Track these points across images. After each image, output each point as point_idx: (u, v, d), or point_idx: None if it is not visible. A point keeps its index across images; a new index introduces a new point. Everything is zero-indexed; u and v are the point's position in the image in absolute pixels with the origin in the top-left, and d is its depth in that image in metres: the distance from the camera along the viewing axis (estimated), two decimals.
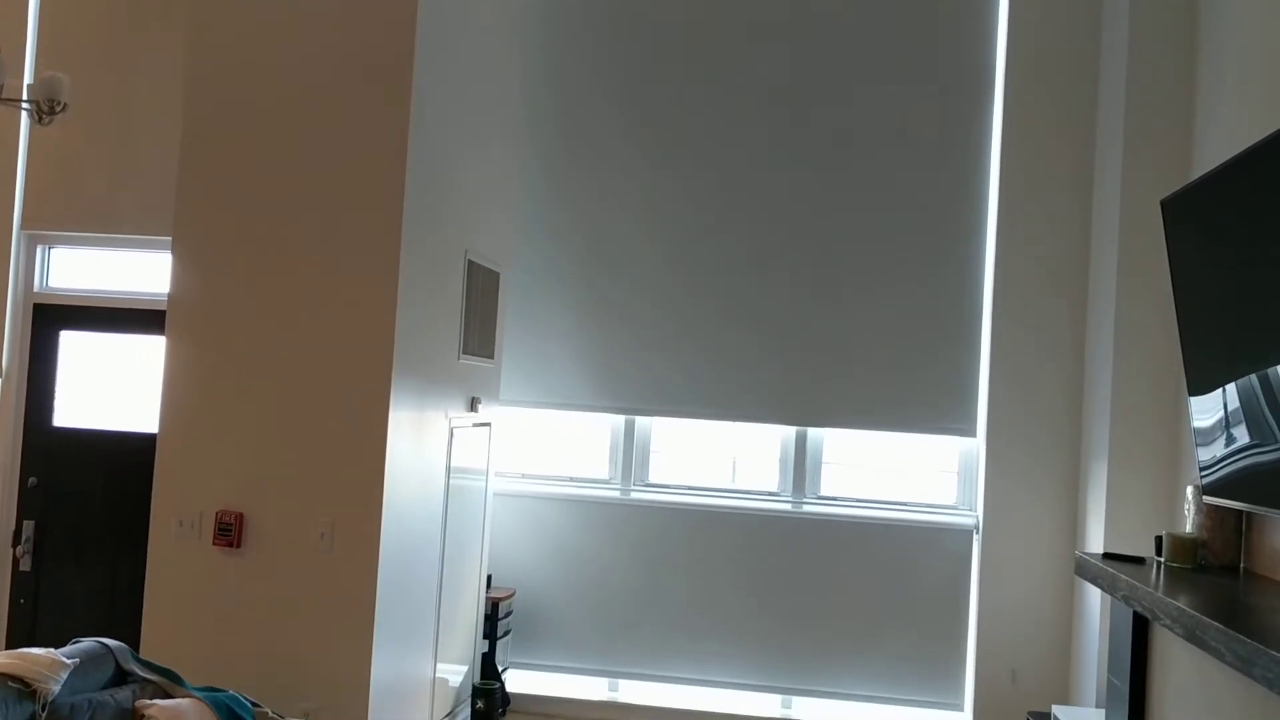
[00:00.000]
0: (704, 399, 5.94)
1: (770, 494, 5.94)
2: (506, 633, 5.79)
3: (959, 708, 5.73)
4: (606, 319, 6.03)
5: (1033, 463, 5.60)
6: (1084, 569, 3.96)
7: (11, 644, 5.19)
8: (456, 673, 5.22)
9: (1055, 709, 4.78)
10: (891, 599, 5.77)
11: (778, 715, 5.78)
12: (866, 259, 5.85)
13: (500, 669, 5.67)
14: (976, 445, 5.77)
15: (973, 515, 5.76)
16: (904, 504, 5.86)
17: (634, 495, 6.01)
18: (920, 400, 5.79)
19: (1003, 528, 5.60)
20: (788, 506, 5.89)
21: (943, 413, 5.77)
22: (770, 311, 5.92)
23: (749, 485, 5.98)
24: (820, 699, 5.82)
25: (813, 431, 5.90)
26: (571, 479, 6.09)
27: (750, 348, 5.91)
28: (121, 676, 3.44)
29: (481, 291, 5.32)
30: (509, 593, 5.83)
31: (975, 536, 5.72)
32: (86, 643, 3.44)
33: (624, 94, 6.08)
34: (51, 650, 3.27)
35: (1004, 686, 5.55)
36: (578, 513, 6.02)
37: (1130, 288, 5.04)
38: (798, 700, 5.84)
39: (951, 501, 5.83)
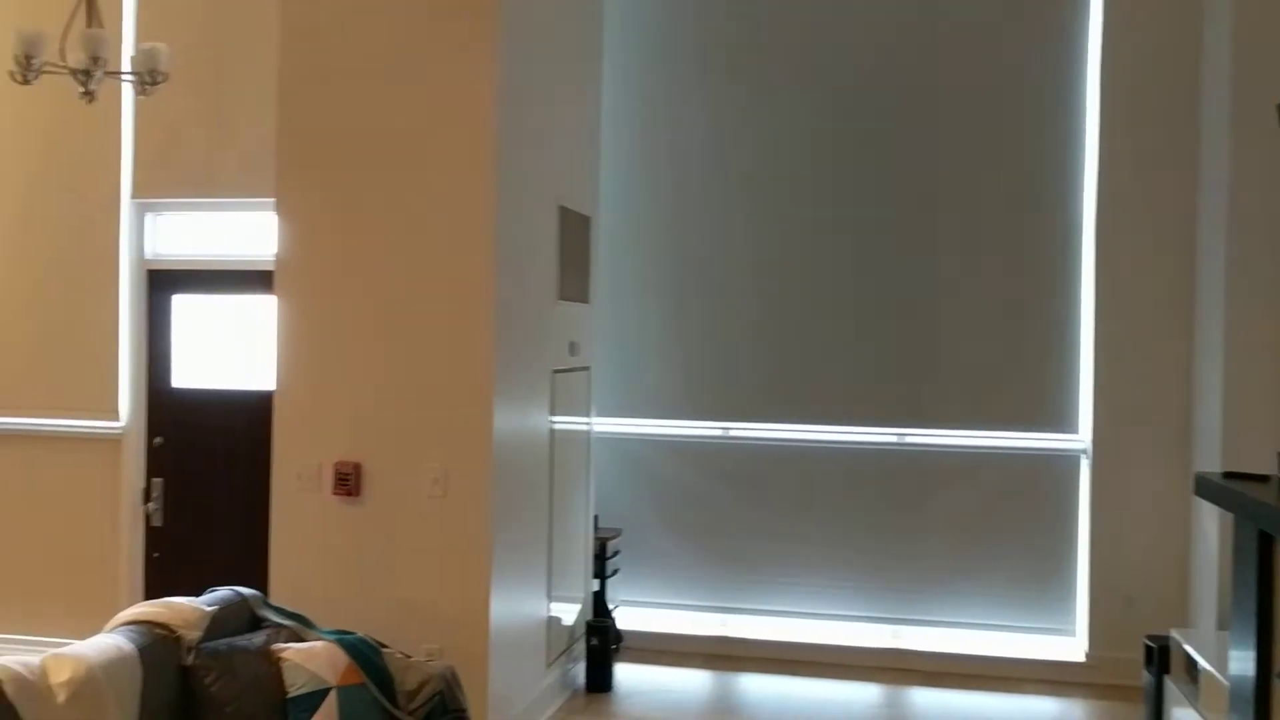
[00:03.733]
0: (792, 401, 5.90)
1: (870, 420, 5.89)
2: (615, 571, 5.89)
3: (1071, 633, 5.68)
4: (692, 315, 6.03)
5: (1142, 385, 5.48)
6: (1204, 488, 3.88)
7: (149, 596, 5.44)
8: (570, 611, 5.34)
9: (1174, 632, 4.72)
10: (999, 527, 5.73)
11: (887, 646, 5.81)
12: (961, 214, 5.75)
13: (611, 607, 5.79)
14: (1082, 370, 5.65)
15: (1082, 440, 5.66)
16: (1010, 431, 5.76)
17: (734, 433, 6.03)
18: (1022, 384, 5.70)
19: (1113, 451, 5.51)
20: (892, 438, 5.85)
21: (1045, 399, 5.67)
22: (864, 300, 5.85)
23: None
24: (929, 628, 5.83)
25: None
26: (672, 419, 6.11)
27: (842, 341, 5.86)
28: (255, 622, 3.59)
29: (574, 236, 5.34)
30: (616, 533, 5.93)
31: (1084, 460, 5.63)
32: (223, 591, 3.60)
33: (714, 51, 6.01)
34: (193, 599, 3.43)
35: (1118, 611, 5.48)
36: (680, 452, 6.07)
37: (1244, 190, 4.86)
38: (907, 630, 5.85)
39: (1059, 426, 5.71)
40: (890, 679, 5.60)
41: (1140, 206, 5.47)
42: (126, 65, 4.64)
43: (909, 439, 5.83)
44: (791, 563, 5.94)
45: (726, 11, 5.98)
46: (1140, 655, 5.29)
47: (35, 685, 2.75)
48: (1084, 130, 5.62)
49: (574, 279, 5.35)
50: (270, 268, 4.59)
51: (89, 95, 4.34)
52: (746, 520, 5.98)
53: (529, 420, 4.77)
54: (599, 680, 5.34)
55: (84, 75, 4.29)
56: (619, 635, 5.83)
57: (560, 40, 5.18)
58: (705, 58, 6.02)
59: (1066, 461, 5.68)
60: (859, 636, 5.87)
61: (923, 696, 5.41)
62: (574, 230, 5.33)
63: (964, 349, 5.74)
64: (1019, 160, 5.70)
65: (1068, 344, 5.66)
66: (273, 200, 4.56)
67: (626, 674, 5.58)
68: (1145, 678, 5.01)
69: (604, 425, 6.09)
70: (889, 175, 5.82)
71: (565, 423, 5.24)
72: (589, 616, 5.61)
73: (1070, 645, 5.68)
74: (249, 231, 5.48)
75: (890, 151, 5.81)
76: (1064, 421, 5.66)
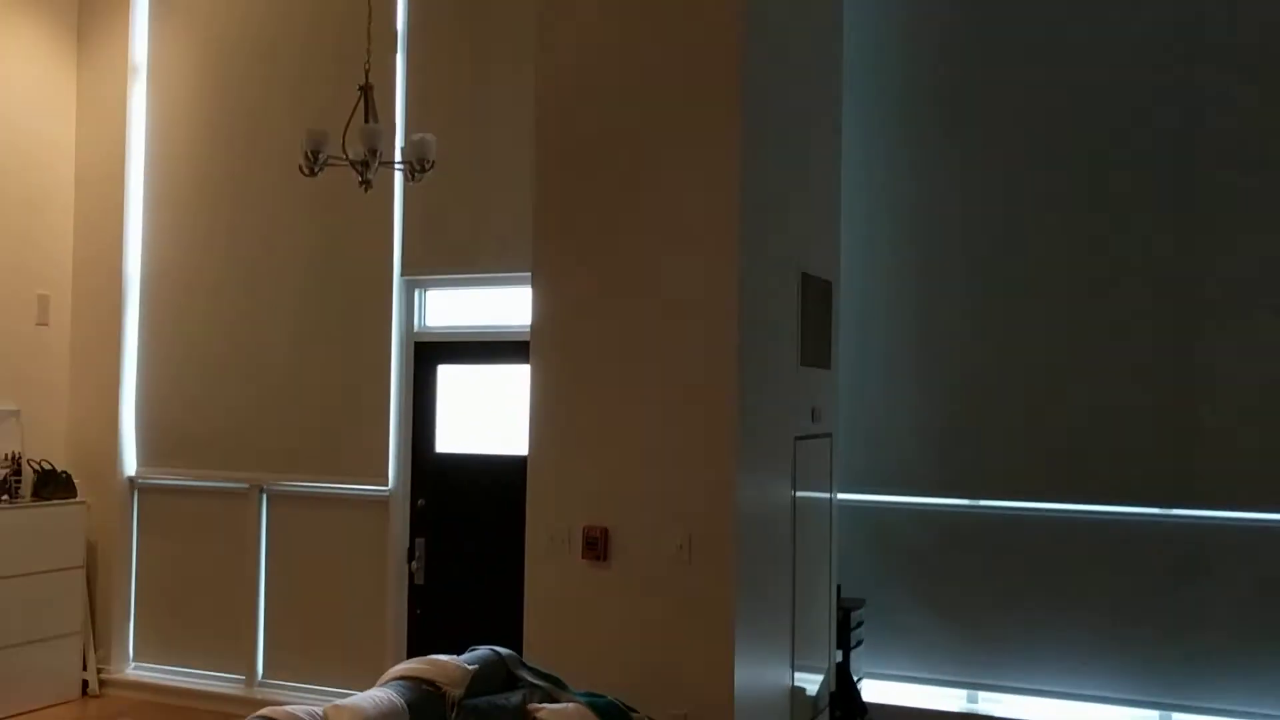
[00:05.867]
0: (1048, 474, 5.63)
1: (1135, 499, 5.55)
2: (859, 642, 5.78)
3: None
4: (938, 381, 5.87)
5: None
6: None
7: (411, 650, 5.76)
8: (813, 681, 5.28)
9: None
10: None
11: None
12: (1247, 270, 5.38)
13: (855, 678, 5.67)
14: None
15: None
16: None
17: (983, 502, 5.82)
18: None
19: None
20: (1156, 511, 5.50)
21: None
22: (1124, 367, 5.52)
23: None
24: (1203, 716, 5.38)
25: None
26: (917, 491, 5.97)
27: (1103, 410, 5.54)
28: (512, 681, 3.74)
29: (816, 301, 5.35)
30: (859, 603, 5.82)
31: None
32: (482, 650, 3.78)
33: (963, 107, 5.93)
34: (455, 657, 3.62)
35: None
36: (926, 520, 5.91)
37: None
38: (1178, 716, 5.44)
39: None
40: None
41: None
42: (398, 155, 5.06)
43: (1177, 510, 5.46)
44: (1046, 638, 5.64)
45: (975, 69, 5.88)
46: None
47: None
48: None
49: (816, 344, 5.36)
50: (525, 338, 4.84)
51: (366, 184, 4.74)
52: (998, 592, 5.74)
53: (771, 487, 4.78)
54: None
55: (362, 166, 4.71)
56: (863, 707, 5.69)
57: (801, 107, 5.25)
58: (953, 114, 5.91)
59: None
60: (1122, 719, 5.51)
61: None
62: (815, 296, 5.35)
63: (1242, 419, 5.33)
64: None
65: None
66: (528, 275, 4.82)
67: None
68: None
69: (847, 494, 6.02)
70: (1161, 228, 5.50)
71: (807, 488, 5.22)
72: (832, 687, 5.52)
73: None
74: (507, 305, 5.79)
75: (1164, 202, 5.48)
76: None
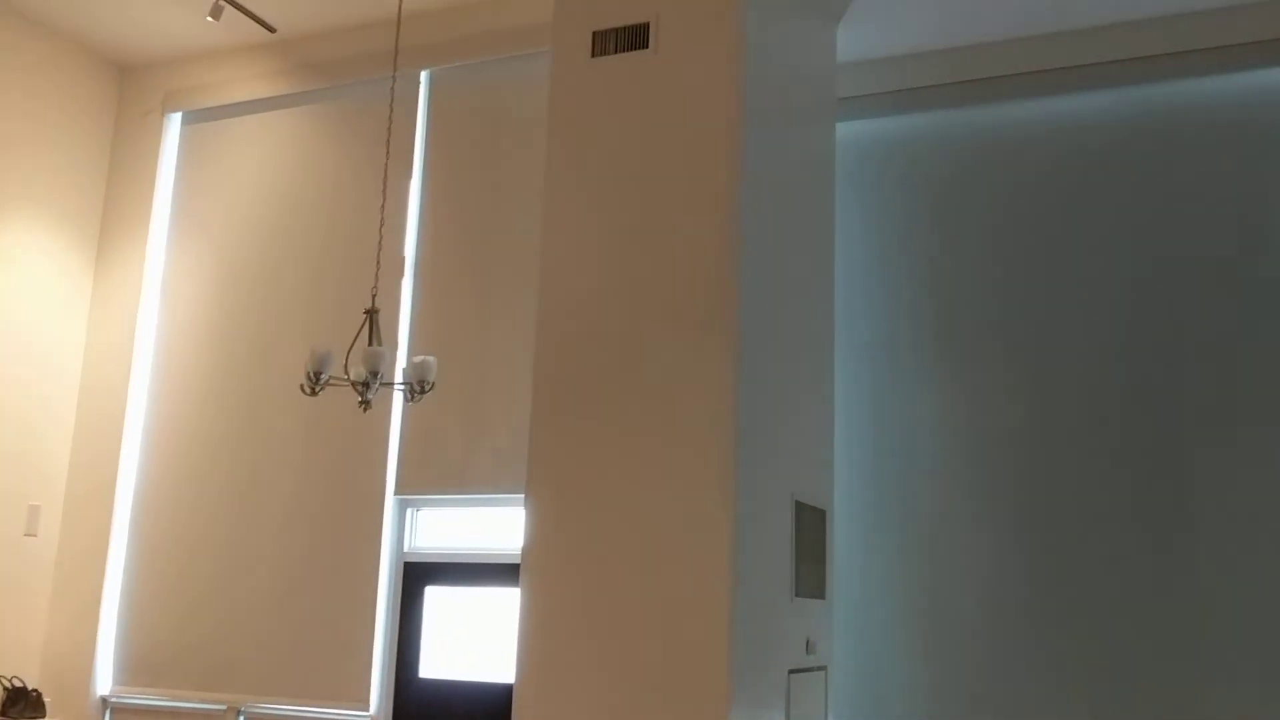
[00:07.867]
0: (1060, 705, 5.47)
1: None
2: None
3: None
4: (938, 612, 5.77)
5: None
6: None
7: None
8: None
9: None
10: None
11: None
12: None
13: None
14: None
15: None
16: None
17: None
18: None
19: None
20: None
21: None
22: (1138, 593, 5.43)
23: None
24: None
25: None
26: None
27: (1114, 639, 5.43)
28: None
29: (810, 530, 5.32)
30: None
31: None
32: None
33: (958, 331, 6.08)
34: None
35: None
36: None
37: None
38: None
39: None
40: None
41: None
42: (399, 376, 5.15)
43: None
44: None
45: (970, 292, 5.99)
46: None
47: None
48: None
49: (810, 574, 5.29)
50: (516, 561, 4.78)
51: (366, 405, 4.81)
52: None
53: None
54: None
55: (363, 387, 4.78)
56: None
57: (795, 336, 5.37)
58: (948, 337, 6.01)
59: None
60: None
61: None
62: (809, 524, 5.32)
63: (1244, 643, 5.20)
64: None
65: None
66: (522, 496, 4.81)
67: None
68: None
69: None
70: (1163, 462, 5.53)
71: None
72: None
73: None
74: (498, 526, 5.76)
75: (1165, 434, 5.55)
76: None
